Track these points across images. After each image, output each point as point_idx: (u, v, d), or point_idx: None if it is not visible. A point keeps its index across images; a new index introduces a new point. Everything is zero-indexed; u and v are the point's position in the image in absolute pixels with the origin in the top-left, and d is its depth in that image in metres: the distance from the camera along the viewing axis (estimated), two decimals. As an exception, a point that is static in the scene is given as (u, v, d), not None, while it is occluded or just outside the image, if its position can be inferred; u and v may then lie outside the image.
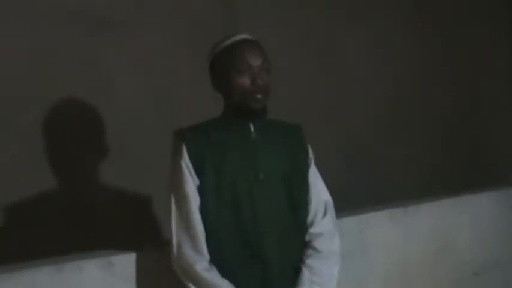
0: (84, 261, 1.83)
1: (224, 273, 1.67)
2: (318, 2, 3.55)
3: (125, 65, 2.75)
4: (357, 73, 3.74)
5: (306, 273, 1.72)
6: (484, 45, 4.49)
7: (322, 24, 3.55)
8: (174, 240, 1.70)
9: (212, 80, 1.80)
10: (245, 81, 1.70)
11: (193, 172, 1.69)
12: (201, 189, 1.69)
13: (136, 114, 2.78)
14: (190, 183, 1.69)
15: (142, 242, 2.16)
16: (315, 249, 1.76)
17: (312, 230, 1.78)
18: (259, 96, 1.70)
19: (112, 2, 2.73)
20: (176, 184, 1.71)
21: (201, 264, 1.65)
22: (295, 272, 1.74)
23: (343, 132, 3.63)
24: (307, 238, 1.78)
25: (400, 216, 2.66)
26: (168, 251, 1.76)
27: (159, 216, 2.74)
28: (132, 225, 2.69)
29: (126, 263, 1.89)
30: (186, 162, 1.69)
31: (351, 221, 2.46)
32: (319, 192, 1.83)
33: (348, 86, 3.69)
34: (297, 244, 1.77)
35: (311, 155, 1.86)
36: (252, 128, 1.76)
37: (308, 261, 1.74)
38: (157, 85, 2.85)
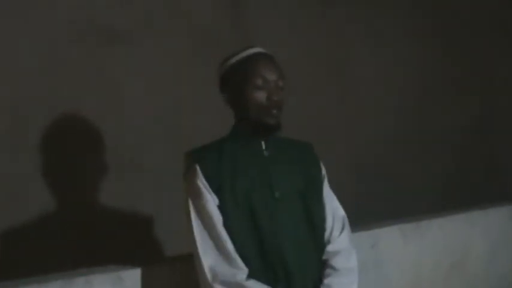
0: (93, 275, 1.81)
1: None
2: (325, 12, 3.56)
3: (129, 76, 2.75)
4: (366, 83, 3.73)
5: None
6: (484, 46, 4.48)
7: (332, 36, 3.56)
8: (205, 264, 1.61)
9: (223, 94, 1.76)
10: (262, 96, 1.68)
11: (211, 190, 1.64)
12: (220, 208, 1.64)
13: (144, 127, 2.78)
14: (211, 202, 1.64)
15: (144, 256, 2.14)
16: (332, 268, 1.72)
17: (329, 248, 1.74)
18: (274, 111, 1.68)
19: (120, 14, 2.74)
20: (197, 206, 1.65)
21: (241, 276, 1.59)
22: None
23: (352, 143, 3.61)
24: (324, 256, 1.74)
25: (413, 231, 2.63)
26: (177, 266, 1.73)
27: (161, 230, 2.72)
28: (134, 239, 2.67)
29: (136, 278, 1.87)
30: (202, 182, 1.64)
31: (363, 236, 2.43)
32: (335, 209, 1.81)
33: (358, 96, 3.68)
34: (316, 261, 1.73)
35: (324, 171, 1.84)
36: (263, 145, 1.73)
37: (326, 281, 1.70)
38: (164, 96, 2.84)
